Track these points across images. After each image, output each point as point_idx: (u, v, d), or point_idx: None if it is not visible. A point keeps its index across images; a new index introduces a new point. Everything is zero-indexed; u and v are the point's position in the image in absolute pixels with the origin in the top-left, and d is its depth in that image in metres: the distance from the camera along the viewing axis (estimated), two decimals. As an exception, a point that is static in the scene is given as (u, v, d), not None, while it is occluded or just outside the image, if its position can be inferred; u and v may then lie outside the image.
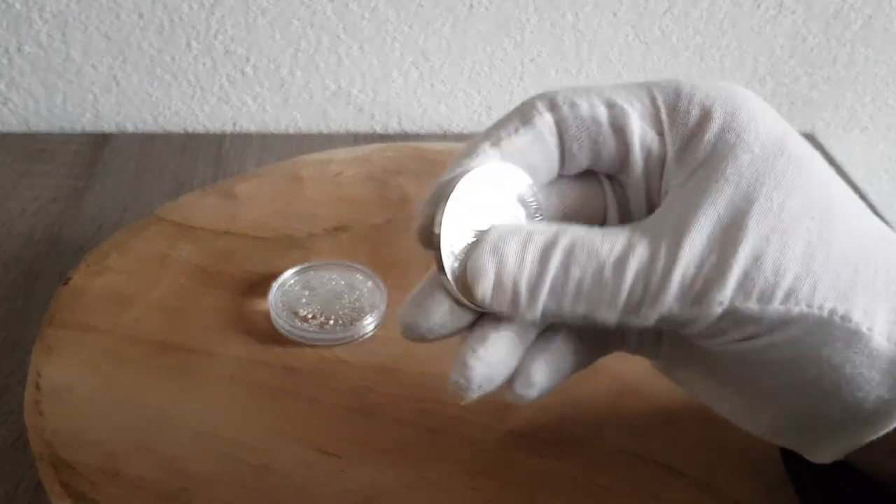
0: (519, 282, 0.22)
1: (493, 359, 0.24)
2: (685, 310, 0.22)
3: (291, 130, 0.65)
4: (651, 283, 0.22)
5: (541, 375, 0.25)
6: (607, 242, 0.22)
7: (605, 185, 0.26)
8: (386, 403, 0.35)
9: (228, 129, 0.64)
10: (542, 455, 0.33)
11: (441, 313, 0.24)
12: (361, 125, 0.65)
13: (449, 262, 0.24)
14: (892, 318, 0.22)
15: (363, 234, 0.44)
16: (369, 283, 0.40)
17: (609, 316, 0.22)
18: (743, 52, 0.63)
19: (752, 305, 0.22)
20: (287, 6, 0.59)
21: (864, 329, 0.22)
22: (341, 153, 0.50)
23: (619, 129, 0.24)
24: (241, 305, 0.39)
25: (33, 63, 0.60)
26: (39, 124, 0.63)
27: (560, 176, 0.26)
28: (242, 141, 0.63)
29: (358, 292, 0.39)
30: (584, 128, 0.24)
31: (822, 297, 0.22)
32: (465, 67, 0.62)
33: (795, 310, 0.22)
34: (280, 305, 0.38)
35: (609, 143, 0.25)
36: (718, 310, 0.22)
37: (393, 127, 0.65)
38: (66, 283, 0.39)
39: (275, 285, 0.39)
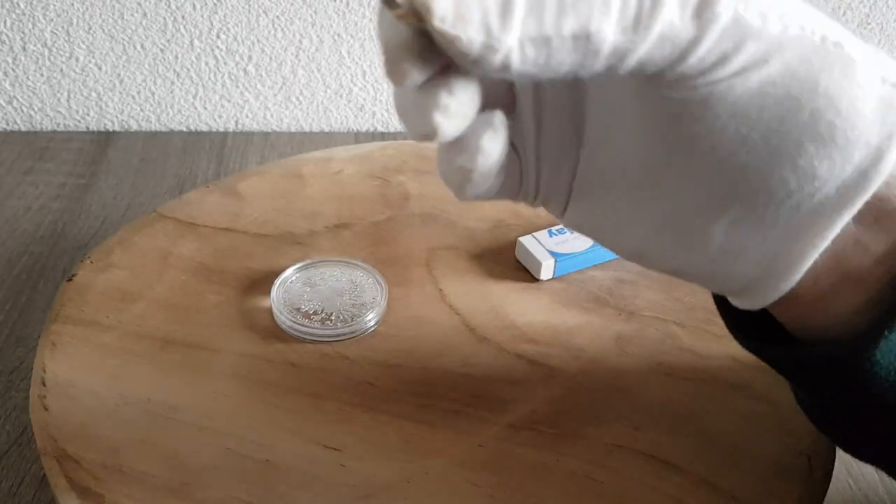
0: None
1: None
2: (686, 24, 0.19)
3: (293, 129, 0.65)
4: None
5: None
6: None
7: None
8: (387, 399, 0.35)
9: (231, 127, 0.65)
10: (541, 449, 0.33)
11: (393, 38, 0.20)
12: (362, 123, 0.66)
13: None
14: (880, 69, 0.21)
15: (364, 231, 0.44)
16: (370, 280, 0.40)
17: (605, 30, 0.19)
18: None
19: (753, 19, 0.20)
20: (289, 5, 0.60)
21: (857, 56, 0.21)
22: (342, 151, 0.50)
23: None
24: (244, 302, 0.39)
25: (38, 62, 0.61)
26: (43, 122, 0.63)
27: None
28: (244, 139, 0.63)
29: (359, 289, 0.40)
30: None
31: (812, 24, 0.20)
32: (466, 66, 0.62)
33: (792, 31, 0.20)
34: (282, 302, 0.39)
35: None
36: (722, 16, 0.19)
37: (394, 125, 0.66)
38: (70, 280, 0.40)
39: (277, 282, 0.39)
